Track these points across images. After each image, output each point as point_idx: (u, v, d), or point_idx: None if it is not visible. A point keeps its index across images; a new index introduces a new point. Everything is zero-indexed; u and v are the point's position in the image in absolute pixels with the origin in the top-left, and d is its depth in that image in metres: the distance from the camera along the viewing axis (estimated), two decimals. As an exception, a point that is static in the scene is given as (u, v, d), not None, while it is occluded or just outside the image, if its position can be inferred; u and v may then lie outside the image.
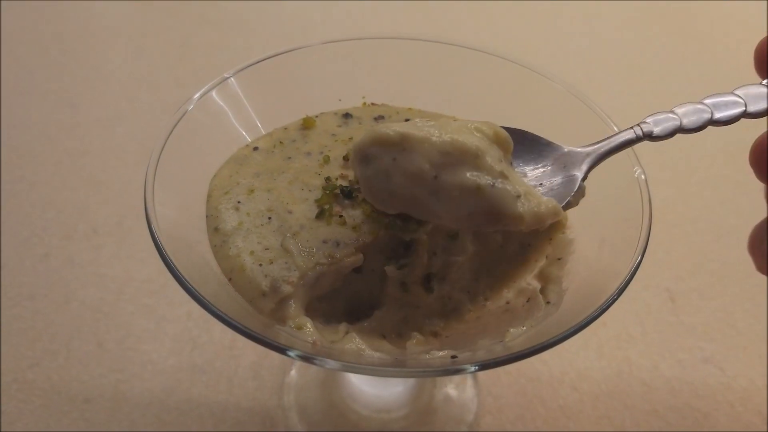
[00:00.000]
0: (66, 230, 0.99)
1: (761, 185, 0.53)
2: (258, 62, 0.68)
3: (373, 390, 0.79)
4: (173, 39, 1.41)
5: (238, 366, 0.83)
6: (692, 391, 0.83)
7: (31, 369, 0.82)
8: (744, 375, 0.85)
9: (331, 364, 0.44)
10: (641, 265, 0.51)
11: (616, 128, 0.62)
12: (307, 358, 0.44)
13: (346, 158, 0.64)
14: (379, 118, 0.71)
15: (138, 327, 0.87)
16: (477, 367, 0.44)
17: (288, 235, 0.56)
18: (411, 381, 0.81)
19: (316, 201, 0.59)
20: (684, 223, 1.05)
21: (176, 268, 0.48)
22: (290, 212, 0.58)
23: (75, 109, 1.21)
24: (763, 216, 0.52)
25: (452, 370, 0.50)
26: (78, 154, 1.12)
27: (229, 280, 0.54)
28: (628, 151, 0.60)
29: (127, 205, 1.03)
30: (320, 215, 0.57)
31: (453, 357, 0.50)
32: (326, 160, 0.64)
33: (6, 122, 1.17)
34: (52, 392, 0.80)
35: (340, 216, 0.57)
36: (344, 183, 0.61)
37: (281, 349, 0.44)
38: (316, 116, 0.70)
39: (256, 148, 0.66)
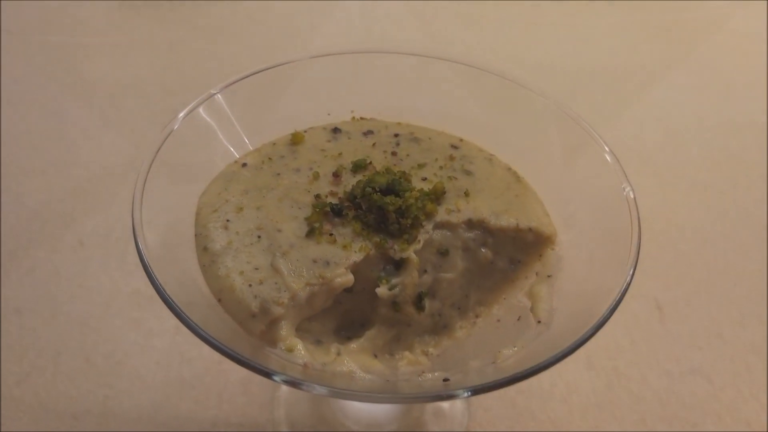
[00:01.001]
0: (52, 243, 0.98)
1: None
2: (245, 77, 0.67)
3: (364, 405, 0.79)
4: (160, 45, 1.40)
5: (228, 381, 0.83)
6: (680, 402, 0.84)
7: (18, 385, 0.81)
8: (731, 385, 0.86)
9: (319, 390, 0.43)
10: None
11: (603, 142, 0.62)
12: (294, 384, 0.44)
13: (335, 174, 0.64)
14: (368, 133, 0.71)
15: (126, 341, 0.86)
16: (470, 393, 0.43)
17: (278, 254, 0.55)
18: (401, 395, 0.81)
19: (306, 219, 0.58)
20: (670, 230, 1.05)
21: (165, 291, 0.47)
22: (280, 231, 0.57)
23: (61, 117, 1.20)
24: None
25: (444, 395, 0.50)
26: (64, 164, 1.11)
27: (219, 300, 0.54)
28: (616, 167, 0.60)
29: (114, 217, 1.02)
30: (310, 234, 0.57)
31: (445, 380, 0.50)
32: (316, 176, 0.63)
33: (-10, 132, 1.15)
34: (40, 409, 0.79)
35: (330, 234, 0.57)
36: (334, 200, 0.60)
37: (267, 374, 0.44)
38: (305, 131, 0.70)
39: (244, 165, 0.66)
